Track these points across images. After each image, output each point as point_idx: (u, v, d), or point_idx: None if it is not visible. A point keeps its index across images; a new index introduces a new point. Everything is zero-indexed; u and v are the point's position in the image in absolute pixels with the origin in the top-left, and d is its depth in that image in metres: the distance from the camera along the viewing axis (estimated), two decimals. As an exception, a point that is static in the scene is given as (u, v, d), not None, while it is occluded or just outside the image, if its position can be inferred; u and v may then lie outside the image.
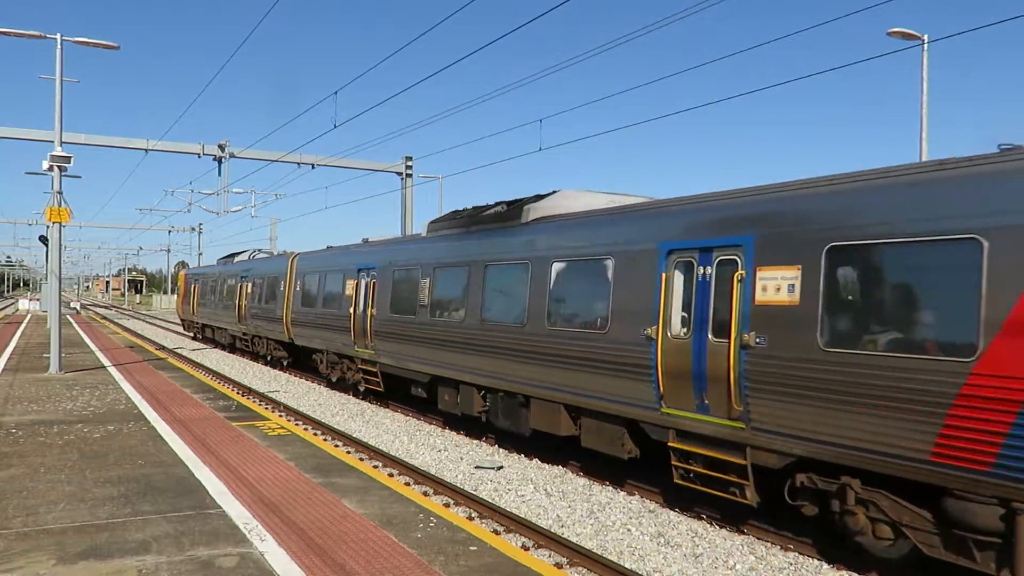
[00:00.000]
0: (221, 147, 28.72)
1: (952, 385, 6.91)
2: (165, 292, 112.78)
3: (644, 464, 12.47)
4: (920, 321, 7.40)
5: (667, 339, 9.87)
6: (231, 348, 34.33)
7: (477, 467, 13.02)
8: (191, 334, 44.34)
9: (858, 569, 8.43)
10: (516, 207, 14.02)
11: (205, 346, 38.81)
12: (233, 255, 35.65)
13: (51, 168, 21.13)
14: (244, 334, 30.58)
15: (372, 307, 18.67)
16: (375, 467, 12.22)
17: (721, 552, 8.90)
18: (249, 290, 29.14)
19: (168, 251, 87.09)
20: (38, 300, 65.85)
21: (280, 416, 16.15)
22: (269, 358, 28.23)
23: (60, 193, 21.05)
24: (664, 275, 10.04)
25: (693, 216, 10.01)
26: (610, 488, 11.78)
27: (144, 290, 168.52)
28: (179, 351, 33.84)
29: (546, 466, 13.21)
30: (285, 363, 27.33)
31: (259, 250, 34.73)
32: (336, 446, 13.67)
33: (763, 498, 9.22)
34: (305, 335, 23.66)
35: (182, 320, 46.97)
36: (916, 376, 7.20)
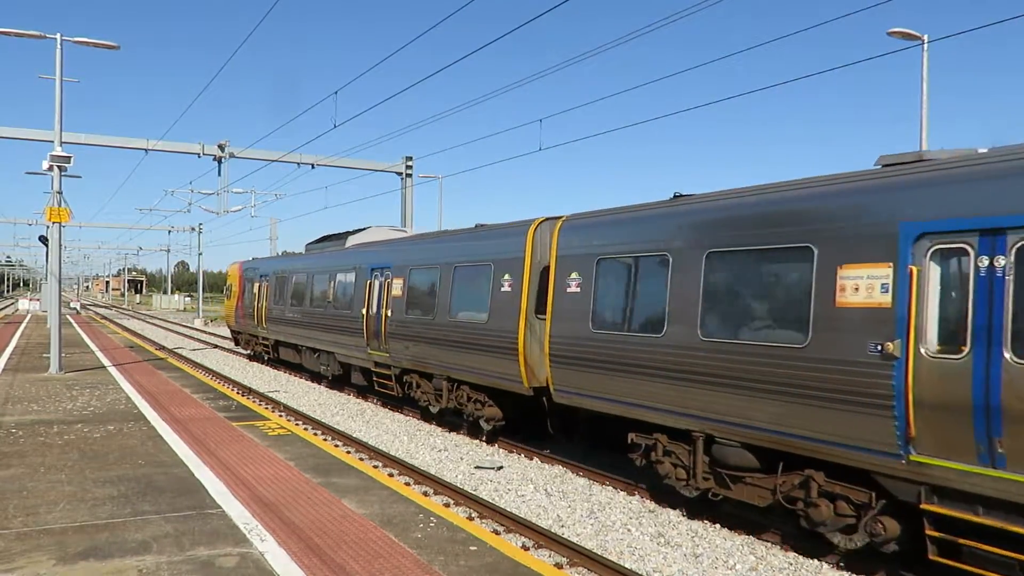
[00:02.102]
0: (221, 147, 28.73)
1: None
2: (165, 292, 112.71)
3: (644, 464, 12.48)
4: None
5: (922, 357, 7.26)
6: (336, 385, 22.93)
7: (477, 467, 13.02)
8: (247, 351, 32.20)
9: (858, 569, 8.43)
10: None
11: (205, 346, 38.77)
12: (337, 236, 24.12)
13: (51, 168, 21.13)
14: (384, 365, 18.15)
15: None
16: (375, 467, 12.21)
17: (721, 552, 8.90)
18: (402, 292, 17.30)
19: (168, 251, 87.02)
20: (38, 300, 65.94)
21: (280, 416, 16.14)
22: (472, 419, 15.23)
23: (60, 193, 21.05)
24: (915, 269, 7.38)
25: (964, 185, 7.16)
26: (610, 488, 11.78)
27: (144, 290, 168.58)
28: (179, 351, 33.83)
29: (546, 466, 13.21)
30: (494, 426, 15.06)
31: (393, 227, 23.70)
32: (336, 446, 13.67)
33: None
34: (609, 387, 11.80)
35: (235, 333, 33.67)
36: None
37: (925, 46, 22.02)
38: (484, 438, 15.07)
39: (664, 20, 12.88)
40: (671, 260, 10.11)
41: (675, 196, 10.81)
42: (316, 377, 24.63)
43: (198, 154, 28.86)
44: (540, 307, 12.90)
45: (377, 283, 18.57)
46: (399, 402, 18.82)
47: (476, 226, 15.79)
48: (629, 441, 10.98)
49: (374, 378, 18.84)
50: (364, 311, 18.90)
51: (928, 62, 22.22)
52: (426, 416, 17.93)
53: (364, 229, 22.62)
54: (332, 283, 21.67)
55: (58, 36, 21.10)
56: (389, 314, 17.53)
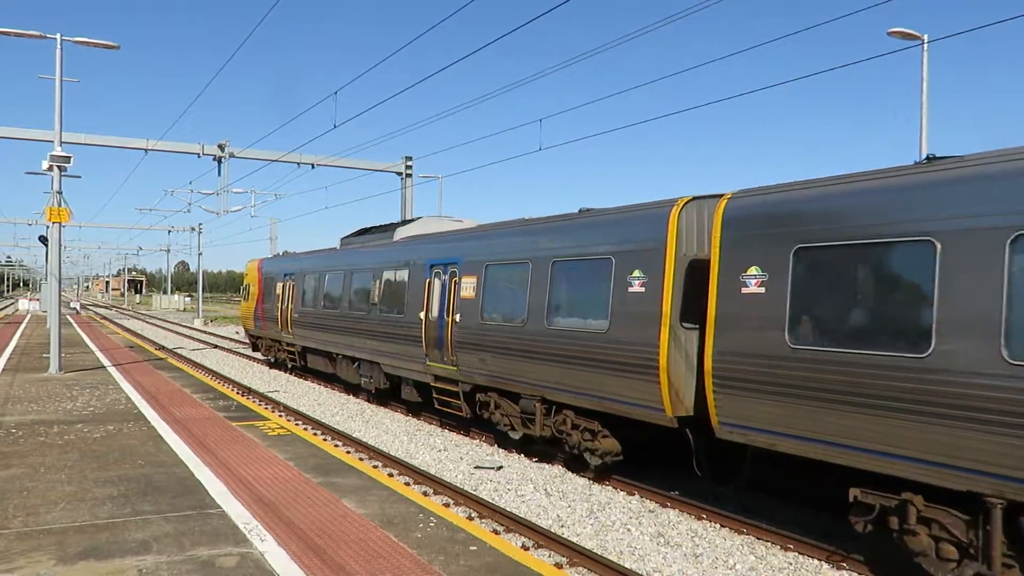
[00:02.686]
0: (221, 147, 28.72)
1: None
2: (165, 292, 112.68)
3: (645, 464, 12.48)
4: None
5: None
6: (378, 399, 19.96)
7: (477, 467, 13.02)
8: (266, 357, 28.84)
9: (859, 569, 8.43)
10: None
11: (205, 346, 38.78)
12: (382, 229, 20.66)
13: (51, 168, 21.14)
14: (449, 380, 15.39)
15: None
16: (375, 467, 12.21)
17: (721, 552, 8.90)
18: (475, 294, 14.41)
19: (168, 251, 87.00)
20: (38, 300, 65.91)
21: (280, 416, 16.14)
22: (576, 452, 12.41)
23: (60, 193, 21.06)
24: None
25: None
26: (610, 488, 11.78)
27: (144, 290, 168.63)
28: (179, 351, 33.84)
29: (546, 466, 13.21)
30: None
31: (448, 217, 20.01)
32: (336, 446, 13.67)
33: None
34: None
35: (253, 339, 30.23)
36: None
37: (925, 46, 22.03)
38: (592, 474, 12.23)
39: (664, 20, 12.88)
40: (939, 249, 7.08)
41: (930, 158, 7.77)
42: (316, 378, 24.24)
43: (198, 154, 28.85)
44: (688, 312, 10.08)
45: (439, 282, 15.79)
46: (465, 423, 16.32)
47: (580, 211, 12.76)
48: (851, 499, 8.08)
49: (434, 395, 16.05)
50: (423, 315, 16.07)
51: (928, 62, 22.24)
52: (426, 416, 17.91)
53: (414, 220, 19.58)
54: (377, 282, 18.61)
55: (58, 36, 21.11)
56: (458, 319, 14.68)
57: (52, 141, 22.05)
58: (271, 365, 28.84)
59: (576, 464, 12.63)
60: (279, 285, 26.10)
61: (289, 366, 26.51)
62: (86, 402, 16.33)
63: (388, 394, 19.23)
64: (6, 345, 31.86)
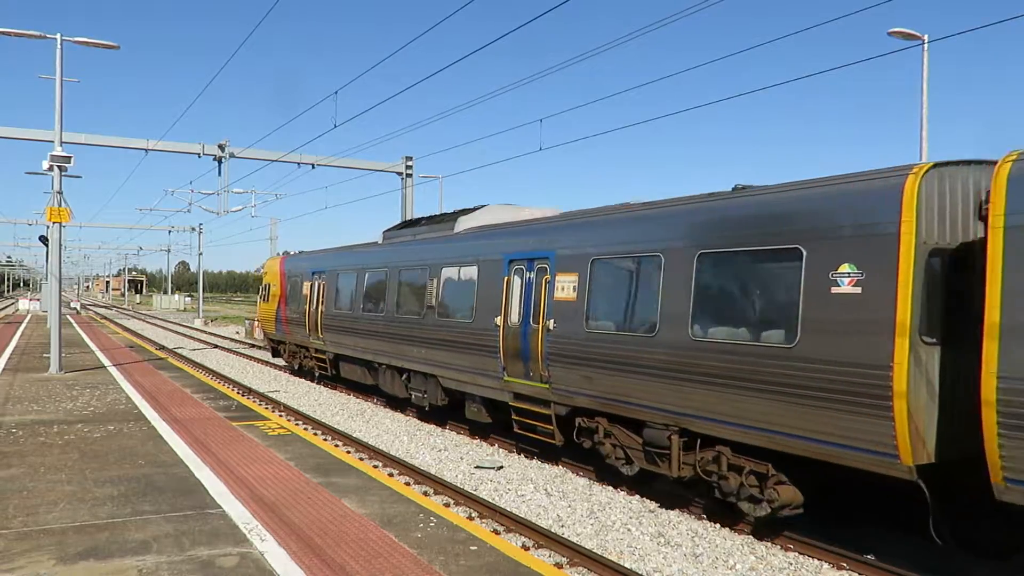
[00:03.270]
0: (221, 147, 28.71)
1: None
2: (165, 292, 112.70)
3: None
4: None
5: None
6: (435, 417, 17.56)
7: (477, 467, 13.02)
8: (288, 363, 26.18)
9: (859, 569, 8.43)
10: None
11: (205, 346, 38.79)
12: (440, 219, 17.70)
13: (51, 168, 21.15)
14: (537, 400, 12.79)
15: None
16: (375, 467, 12.21)
17: (721, 552, 8.90)
18: (578, 295, 12.00)
19: (168, 251, 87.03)
20: (38, 300, 65.95)
21: (280, 416, 16.15)
22: (734, 499, 9.72)
23: (60, 193, 21.06)
24: None
25: None
26: (610, 488, 11.78)
27: (144, 290, 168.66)
28: (179, 351, 33.84)
29: (546, 466, 13.21)
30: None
31: (517, 207, 16.67)
32: (336, 446, 13.67)
33: None
34: None
35: (274, 343, 27.53)
36: None
37: (925, 46, 22.03)
38: (750, 528, 9.79)
39: (664, 20, 12.87)
40: None
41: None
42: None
43: (198, 154, 28.83)
44: (931, 322, 7.58)
45: (521, 281, 13.14)
46: (553, 451, 13.48)
47: (735, 188, 10.25)
48: None
49: (514, 416, 13.34)
50: (499, 321, 13.39)
51: (928, 62, 22.24)
52: (426, 416, 17.88)
53: (479, 208, 16.54)
54: (434, 282, 15.89)
55: (58, 36, 21.11)
56: (551, 327, 12.05)
57: (52, 141, 22.05)
58: (295, 373, 26.11)
59: (723, 513, 10.10)
60: (306, 285, 23.48)
61: (316, 375, 23.85)
62: (86, 402, 16.34)
63: (445, 412, 16.45)
64: (6, 345, 31.87)
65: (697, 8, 12.30)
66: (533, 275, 12.85)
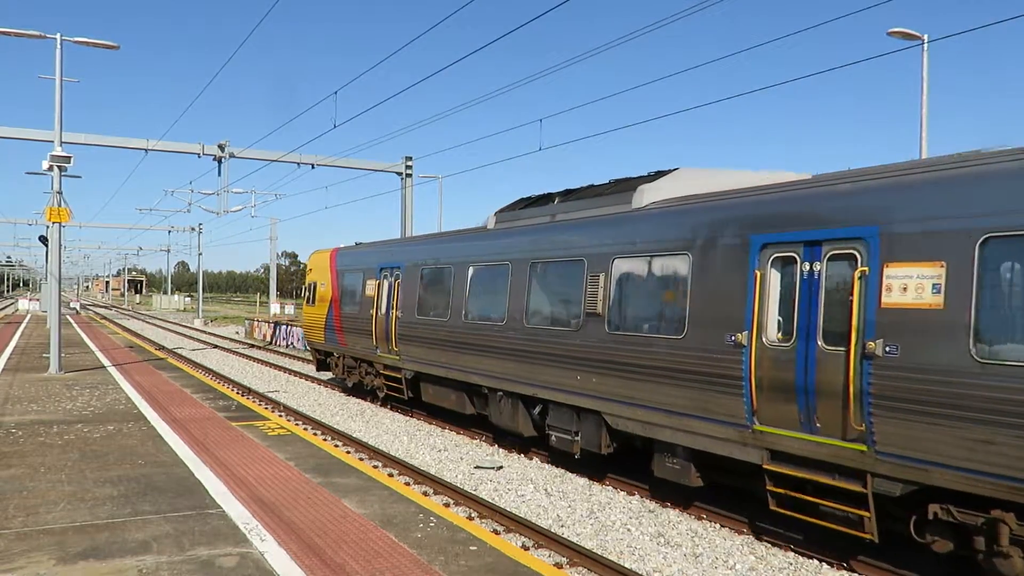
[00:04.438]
0: (221, 147, 28.72)
1: None
2: (165, 292, 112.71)
3: (643, 463, 12.48)
4: None
5: None
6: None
7: (477, 467, 13.02)
8: (340, 379, 22.06)
9: (859, 569, 8.43)
10: None
11: (205, 346, 38.79)
12: (610, 188, 12.60)
13: (51, 168, 21.15)
14: (833, 468, 8.08)
15: None
16: (375, 467, 12.22)
17: (721, 552, 8.90)
18: (947, 296, 7.16)
19: (168, 251, 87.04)
20: (38, 300, 65.91)
21: (280, 416, 16.15)
22: None
23: (60, 193, 21.06)
24: None
25: None
26: (610, 488, 11.78)
27: (144, 290, 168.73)
28: (179, 351, 33.85)
29: (546, 466, 13.20)
30: None
31: (715, 170, 11.92)
32: (336, 446, 13.67)
33: None
34: None
35: (322, 355, 22.77)
36: None
37: (925, 46, 22.03)
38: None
39: (664, 20, 12.87)
40: None
41: None
42: (316, 378, 19.09)
43: (198, 154, 28.84)
44: None
45: (789, 277, 8.81)
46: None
47: None
48: None
49: (771, 486, 8.80)
50: (746, 337, 8.96)
51: (928, 62, 22.24)
52: (425, 416, 17.87)
53: (667, 172, 11.76)
54: (601, 279, 11.48)
55: (58, 36, 21.11)
56: (880, 350, 7.57)
57: (52, 141, 22.05)
58: (349, 392, 21.84)
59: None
60: (370, 284, 19.12)
61: (380, 396, 19.30)
62: (86, 402, 16.33)
63: (608, 463, 12.38)
64: (6, 345, 31.86)
65: (697, 8, 12.30)
66: (822, 268, 8.35)
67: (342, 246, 22.45)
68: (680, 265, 10.20)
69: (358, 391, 17.22)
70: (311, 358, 24.74)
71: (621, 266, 11.25)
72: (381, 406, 19.51)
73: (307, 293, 23.64)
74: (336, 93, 23.57)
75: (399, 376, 17.66)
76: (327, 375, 23.63)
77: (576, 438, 12.02)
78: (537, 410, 13.14)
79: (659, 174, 11.80)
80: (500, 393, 13.88)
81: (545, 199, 14.10)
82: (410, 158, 30.18)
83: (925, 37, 21.85)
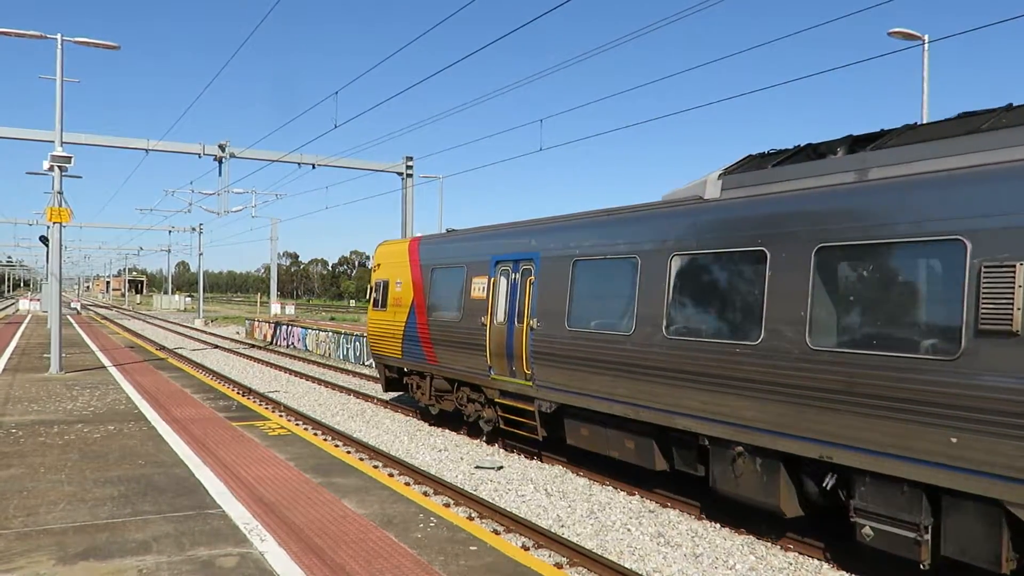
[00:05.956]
0: (221, 147, 28.74)
1: None
2: (165, 292, 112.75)
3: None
4: None
5: None
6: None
7: (477, 467, 13.02)
8: (430, 408, 16.63)
9: (859, 569, 8.43)
10: None
11: (206, 346, 38.80)
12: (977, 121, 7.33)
13: (51, 168, 21.16)
14: None
15: None
16: (375, 467, 12.22)
17: (721, 552, 8.91)
18: None
19: (169, 251, 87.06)
20: (38, 300, 65.94)
21: (280, 416, 16.15)
22: None
23: (60, 193, 21.07)
24: None
25: None
26: (610, 488, 11.78)
27: (144, 290, 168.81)
28: (179, 351, 33.86)
29: (546, 466, 13.21)
30: None
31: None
32: (336, 446, 13.67)
33: None
34: None
35: (395, 373, 18.08)
36: None
37: (925, 46, 22.03)
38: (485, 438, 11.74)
39: (664, 20, 12.87)
40: None
41: None
42: (316, 378, 20.01)
43: (198, 154, 28.86)
44: None
45: None
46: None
47: None
48: None
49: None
50: None
51: (928, 62, 22.24)
52: (426, 416, 17.87)
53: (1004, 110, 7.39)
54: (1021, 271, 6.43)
55: (58, 36, 21.12)
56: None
57: (52, 141, 22.06)
58: (433, 421, 17.23)
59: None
60: (479, 283, 14.55)
61: (486, 431, 14.88)
62: (86, 402, 16.34)
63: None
64: (6, 345, 31.88)
65: (697, 8, 12.29)
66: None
67: (426, 234, 18.28)
68: None
69: (444, 421, 13.69)
70: (377, 374, 20.19)
71: None
72: (487, 443, 15.05)
73: (374, 294, 18.86)
74: (336, 93, 23.60)
75: (528, 409, 13.05)
76: (384, 393, 19.40)
77: (925, 536, 7.28)
78: (829, 482, 8.17)
79: (992, 111, 7.59)
80: (739, 448, 9.13)
81: (823, 148, 9.17)
82: (411, 158, 30.19)
83: (925, 37, 21.85)
